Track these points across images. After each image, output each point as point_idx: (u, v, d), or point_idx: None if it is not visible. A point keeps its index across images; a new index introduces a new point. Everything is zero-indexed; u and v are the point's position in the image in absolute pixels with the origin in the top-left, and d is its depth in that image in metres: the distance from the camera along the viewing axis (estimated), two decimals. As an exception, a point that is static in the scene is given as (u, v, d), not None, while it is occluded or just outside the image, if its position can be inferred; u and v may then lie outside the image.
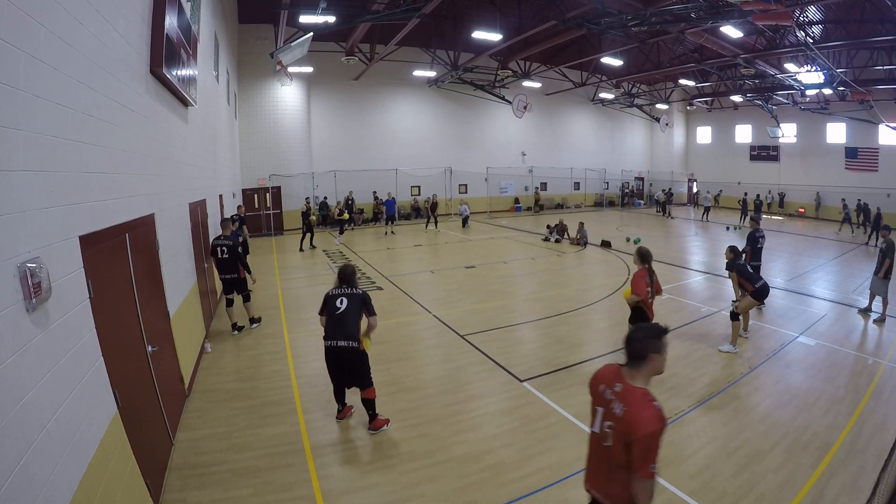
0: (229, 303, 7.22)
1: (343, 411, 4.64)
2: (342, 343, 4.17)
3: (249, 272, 7.47)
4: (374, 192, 21.49)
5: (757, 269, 7.96)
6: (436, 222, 19.10)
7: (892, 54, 17.01)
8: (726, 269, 6.77)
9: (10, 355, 1.86)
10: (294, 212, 19.45)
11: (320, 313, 4.42)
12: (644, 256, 5.32)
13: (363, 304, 4.35)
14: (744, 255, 7.75)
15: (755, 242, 8.31)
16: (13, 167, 2.00)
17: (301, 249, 14.53)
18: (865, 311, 7.96)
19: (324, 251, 14.43)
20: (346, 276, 4.53)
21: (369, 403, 4.41)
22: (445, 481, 3.74)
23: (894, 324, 7.53)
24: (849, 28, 15.14)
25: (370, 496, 3.58)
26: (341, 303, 4.32)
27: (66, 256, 2.46)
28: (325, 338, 4.27)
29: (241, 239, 9.52)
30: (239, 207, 8.63)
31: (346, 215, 16.66)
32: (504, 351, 6.43)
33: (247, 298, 7.39)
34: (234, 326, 7.21)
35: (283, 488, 3.65)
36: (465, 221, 20.10)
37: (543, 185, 27.40)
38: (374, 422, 4.42)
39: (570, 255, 13.54)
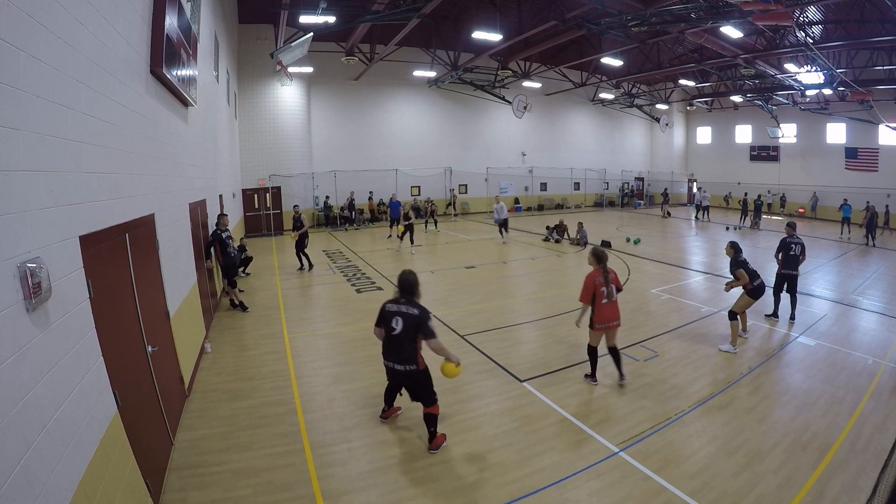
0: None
1: (389, 411, 4.53)
2: (399, 367, 4.00)
3: (208, 258, 7.95)
4: (370, 193, 21.59)
5: (794, 278, 7.60)
6: (435, 223, 19.15)
7: (893, 54, 17.01)
8: (731, 266, 6.49)
9: (10, 355, 1.86)
10: (293, 212, 19.42)
11: (377, 324, 4.14)
12: (598, 257, 5.23)
13: (418, 327, 3.92)
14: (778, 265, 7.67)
15: (788, 249, 7.56)
16: (13, 167, 2.00)
17: (398, 237, 14.78)
18: None
19: (323, 251, 14.43)
20: (407, 285, 4.06)
21: (431, 419, 4.12)
22: (445, 481, 3.74)
23: (894, 324, 7.53)
24: (849, 28, 15.14)
25: (370, 496, 3.58)
26: (396, 323, 3.95)
27: (66, 256, 2.46)
28: (384, 357, 4.11)
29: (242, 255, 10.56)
30: (223, 217, 8.32)
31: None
32: (504, 351, 6.43)
33: (231, 284, 8.39)
34: (237, 304, 8.43)
35: (283, 488, 3.65)
36: (503, 227, 15.70)
37: (543, 186, 27.42)
38: (435, 440, 4.15)
39: (570, 256, 13.54)
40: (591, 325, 5.23)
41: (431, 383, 4.11)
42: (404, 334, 3.93)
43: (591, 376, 5.44)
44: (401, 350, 3.96)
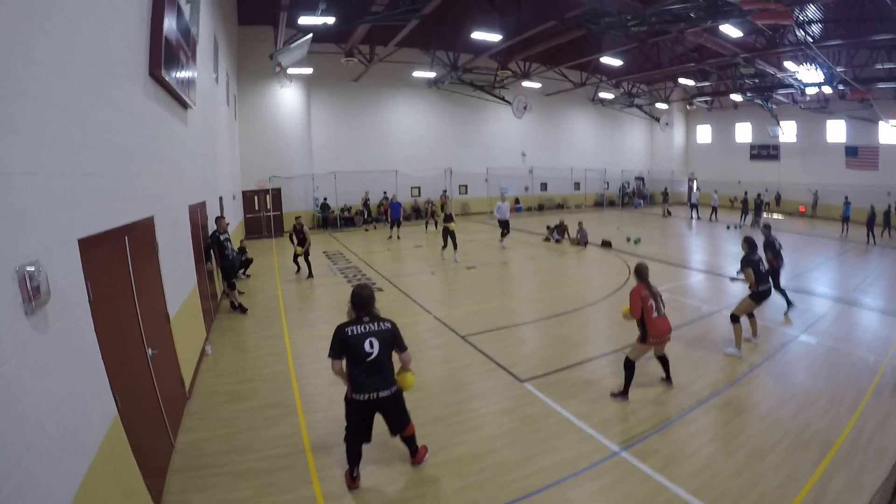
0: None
1: (357, 479, 3.73)
2: (384, 393, 3.53)
3: (208, 261, 7.79)
4: (385, 192, 21.56)
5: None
6: (436, 224, 19.14)
7: (892, 53, 16.98)
8: (741, 262, 6.31)
9: (9, 359, 1.86)
10: (293, 213, 19.44)
11: (333, 356, 3.49)
12: (640, 273, 5.06)
13: (395, 341, 3.61)
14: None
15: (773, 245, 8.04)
16: (12, 170, 2.00)
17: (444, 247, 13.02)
18: None
19: (323, 252, 14.44)
20: (365, 301, 3.64)
21: (412, 439, 3.95)
22: (446, 481, 3.74)
23: (895, 323, 7.51)
24: (848, 27, 15.12)
25: (371, 497, 3.58)
26: (371, 346, 3.48)
27: (65, 259, 2.46)
28: (360, 391, 3.48)
29: (243, 257, 10.74)
30: (219, 220, 8.13)
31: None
32: (505, 351, 6.42)
33: (230, 287, 8.40)
34: (237, 306, 8.42)
35: (284, 490, 3.65)
36: (504, 228, 14.55)
37: (543, 186, 27.41)
38: (418, 455, 4.00)
39: (571, 255, 13.54)
40: (644, 340, 4.90)
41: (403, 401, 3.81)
42: (383, 354, 3.53)
43: (623, 394, 4.95)
44: (384, 372, 3.55)
